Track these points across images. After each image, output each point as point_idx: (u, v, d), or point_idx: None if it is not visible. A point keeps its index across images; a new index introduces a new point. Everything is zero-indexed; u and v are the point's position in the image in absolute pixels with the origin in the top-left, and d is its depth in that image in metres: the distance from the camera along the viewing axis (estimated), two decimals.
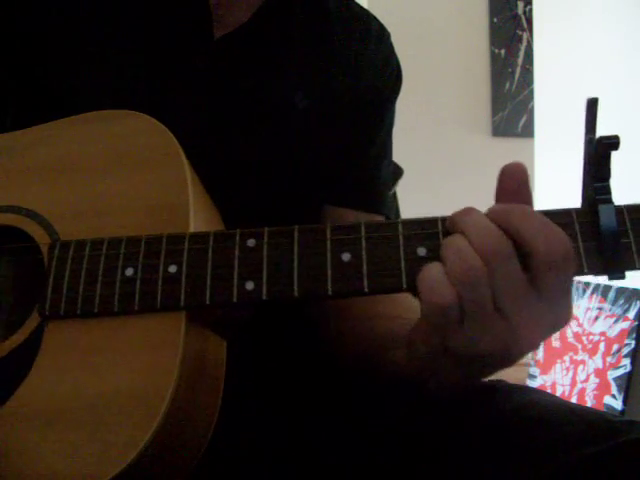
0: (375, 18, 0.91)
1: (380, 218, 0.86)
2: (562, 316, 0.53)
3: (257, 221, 0.68)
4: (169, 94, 0.76)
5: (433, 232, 0.54)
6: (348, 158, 0.84)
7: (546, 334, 0.53)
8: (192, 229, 0.58)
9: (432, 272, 0.51)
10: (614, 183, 0.53)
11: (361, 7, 0.90)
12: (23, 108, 0.76)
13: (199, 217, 0.60)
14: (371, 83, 0.85)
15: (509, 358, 0.54)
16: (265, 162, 0.78)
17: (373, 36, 0.88)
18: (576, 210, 0.54)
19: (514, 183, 0.54)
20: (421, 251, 0.54)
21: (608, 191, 0.53)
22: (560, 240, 0.51)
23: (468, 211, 0.53)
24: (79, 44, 0.76)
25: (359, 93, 0.84)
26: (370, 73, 0.85)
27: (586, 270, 0.52)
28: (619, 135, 0.52)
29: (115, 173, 0.63)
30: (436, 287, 0.51)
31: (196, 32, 0.77)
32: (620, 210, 0.53)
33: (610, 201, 0.53)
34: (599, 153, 0.53)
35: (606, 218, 0.52)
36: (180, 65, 0.76)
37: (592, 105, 0.54)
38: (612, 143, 0.52)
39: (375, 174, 0.88)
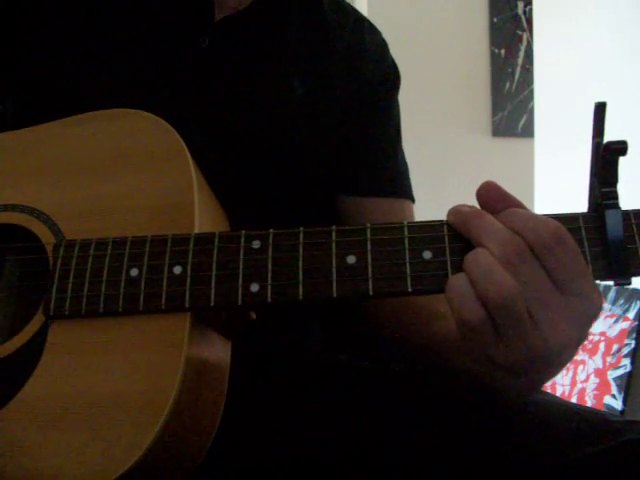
0: (364, 16, 0.93)
1: (404, 202, 0.87)
2: (588, 303, 0.52)
3: (263, 214, 0.68)
4: (170, 78, 0.76)
5: (439, 235, 0.54)
6: (361, 150, 0.85)
7: (579, 327, 0.52)
8: (197, 229, 0.58)
9: (460, 289, 0.51)
10: (621, 188, 0.53)
11: (350, 5, 0.93)
12: (23, 107, 0.76)
13: (204, 217, 0.60)
14: (370, 74, 0.87)
15: (550, 362, 0.53)
16: (266, 147, 0.78)
17: (367, 30, 0.90)
18: (583, 215, 0.54)
19: (494, 196, 0.54)
20: (426, 254, 0.54)
21: (615, 196, 0.53)
22: (545, 224, 0.51)
23: (479, 214, 0.53)
24: (80, 37, 0.76)
25: (358, 83, 0.86)
26: (367, 64, 0.87)
27: (592, 274, 0.52)
28: (626, 140, 0.51)
29: (120, 172, 0.63)
30: (465, 304, 0.51)
31: (197, 15, 0.78)
32: (627, 215, 0.53)
33: (617, 206, 0.53)
34: (606, 158, 0.53)
35: (612, 223, 0.52)
36: (181, 48, 0.77)
37: (600, 109, 0.53)
38: (620, 148, 0.52)
39: (393, 162, 0.89)
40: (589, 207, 0.55)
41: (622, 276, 0.52)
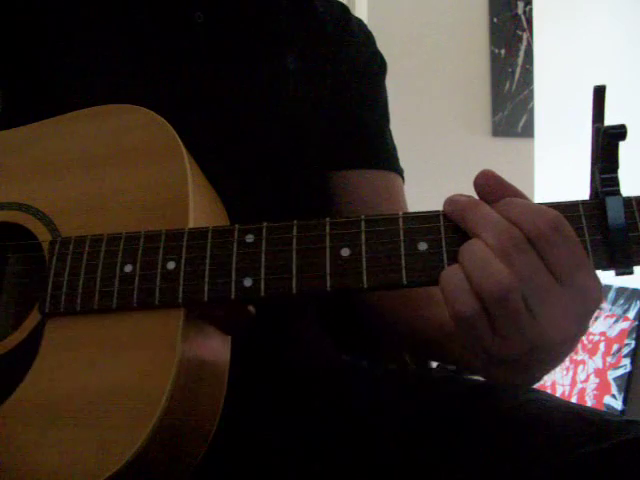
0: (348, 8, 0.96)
1: (394, 175, 0.88)
2: (588, 295, 0.50)
3: (258, 195, 0.67)
4: (168, 53, 0.76)
5: (434, 226, 0.53)
6: (350, 124, 0.86)
7: (579, 320, 0.51)
8: (192, 224, 0.58)
9: (454, 281, 0.50)
10: (624, 176, 0.52)
11: None
12: (15, 105, 0.75)
13: (199, 211, 0.60)
14: (358, 57, 0.89)
15: (549, 355, 0.52)
16: (263, 120, 0.79)
17: (352, 19, 0.92)
18: (583, 202, 0.52)
19: (492, 185, 0.53)
20: (422, 246, 0.53)
21: (616, 183, 0.51)
22: (542, 213, 0.50)
23: (475, 204, 0.52)
24: (73, 26, 0.76)
25: (347, 64, 0.88)
26: (355, 47, 0.89)
27: (592, 264, 0.51)
28: (625, 124, 0.50)
29: (115, 168, 0.63)
30: (459, 296, 0.50)
31: None
32: (629, 202, 0.51)
33: (618, 193, 0.51)
34: (606, 144, 0.51)
35: (613, 211, 0.51)
36: (178, 24, 0.77)
37: (600, 93, 0.52)
38: (619, 133, 0.51)
39: (381, 137, 0.90)
40: (590, 195, 0.54)
41: (624, 265, 0.50)
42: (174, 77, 0.75)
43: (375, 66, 0.92)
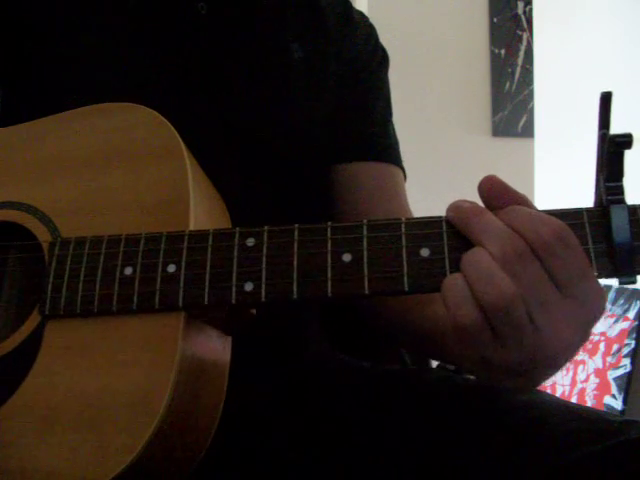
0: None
1: (395, 169, 0.88)
2: (591, 306, 0.50)
3: (264, 191, 0.69)
4: (172, 44, 0.76)
5: (437, 232, 0.52)
6: (353, 117, 0.86)
7: (581, 330, 0.51)
8: (192, 226, 0.58)
9: (456, 290, 0.50)
10: (629, 184, 0.51)
11: None
12: (15, 104, 0.75)
13: (200, 212, 0.59)
14: (361, 48, 0.89)
15: (550, 364, 0.52)
16: (266, 115, 0.79)
17: (355, 11, 0.92)
18: (587, 210, 0.52)
19: (497, 191, 0.52)
20: (424, 252, 0.52)
21: (621, 191, 0.51)
22: (546, 223, 0.49)
23: (479, 211, 0.51)
24: (74, 23, 0.75)
25: (350, 55, 0.88)
26: (358, 39, 0.90)
27: (595, 273, 0.50)
28: (631, 133, 0.49)
29: (115, 168, 0.62)
30: (461, 306, 0.49)
31: None
32: (634, 211, 0.51)
33: (623, 202, 0.51)
34: (611, 152, 0.51)
35: (618, 219, 0.50)
36: (181, 15, 0.77)
37: (606, 99, 0.52)
38: (625, 141, 0.50)
39: (384, 130, 0.89)
40: (595, 202, 0.53)
41: (627, 274, 0.50)
42: (177, 69, 0.75)
43: (377, 58, 0.92)
